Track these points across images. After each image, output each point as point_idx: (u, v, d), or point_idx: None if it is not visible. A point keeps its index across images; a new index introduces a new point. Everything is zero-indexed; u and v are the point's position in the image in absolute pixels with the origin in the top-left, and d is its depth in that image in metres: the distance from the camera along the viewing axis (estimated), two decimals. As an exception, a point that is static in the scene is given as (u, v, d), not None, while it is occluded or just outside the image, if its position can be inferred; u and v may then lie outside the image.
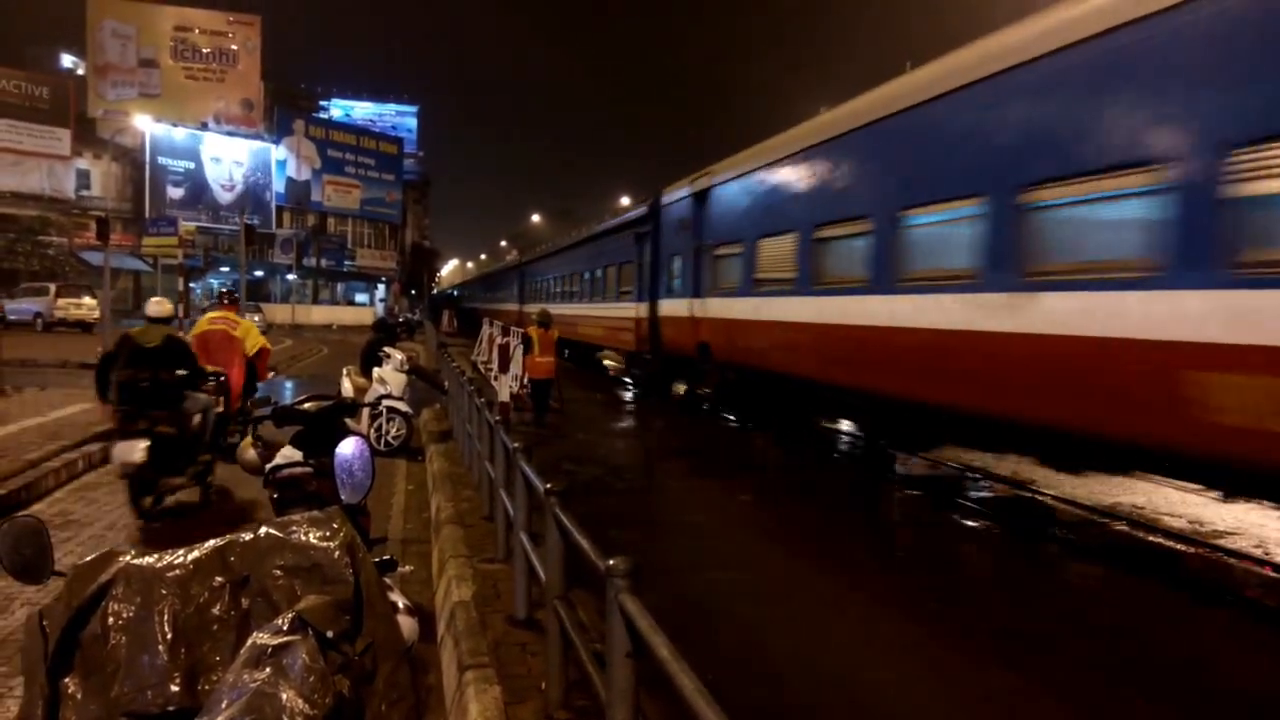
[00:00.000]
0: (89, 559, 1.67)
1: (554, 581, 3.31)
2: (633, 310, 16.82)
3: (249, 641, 1.49)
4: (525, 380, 13.08)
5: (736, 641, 4.53)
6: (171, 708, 1.49)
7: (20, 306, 28.36)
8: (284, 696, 1.38)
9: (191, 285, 38.70)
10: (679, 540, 6.71)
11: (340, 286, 58.74)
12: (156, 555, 1.68)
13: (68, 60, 49.88)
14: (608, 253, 19.89)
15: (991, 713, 3.87)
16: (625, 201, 37.70)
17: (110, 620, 1.55)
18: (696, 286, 13.32)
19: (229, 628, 1.59)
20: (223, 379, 7.58)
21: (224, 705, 1.36)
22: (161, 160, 46.63)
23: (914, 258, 7.82)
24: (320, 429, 3.12)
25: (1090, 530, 7.33)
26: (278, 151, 51.47)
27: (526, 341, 12.57)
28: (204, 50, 49.98)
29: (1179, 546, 6.73)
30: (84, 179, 44.04)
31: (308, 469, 2.88)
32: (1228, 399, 4.85)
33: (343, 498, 2.31)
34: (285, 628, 1.49)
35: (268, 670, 1.41)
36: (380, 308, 53.81)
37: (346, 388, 9.97)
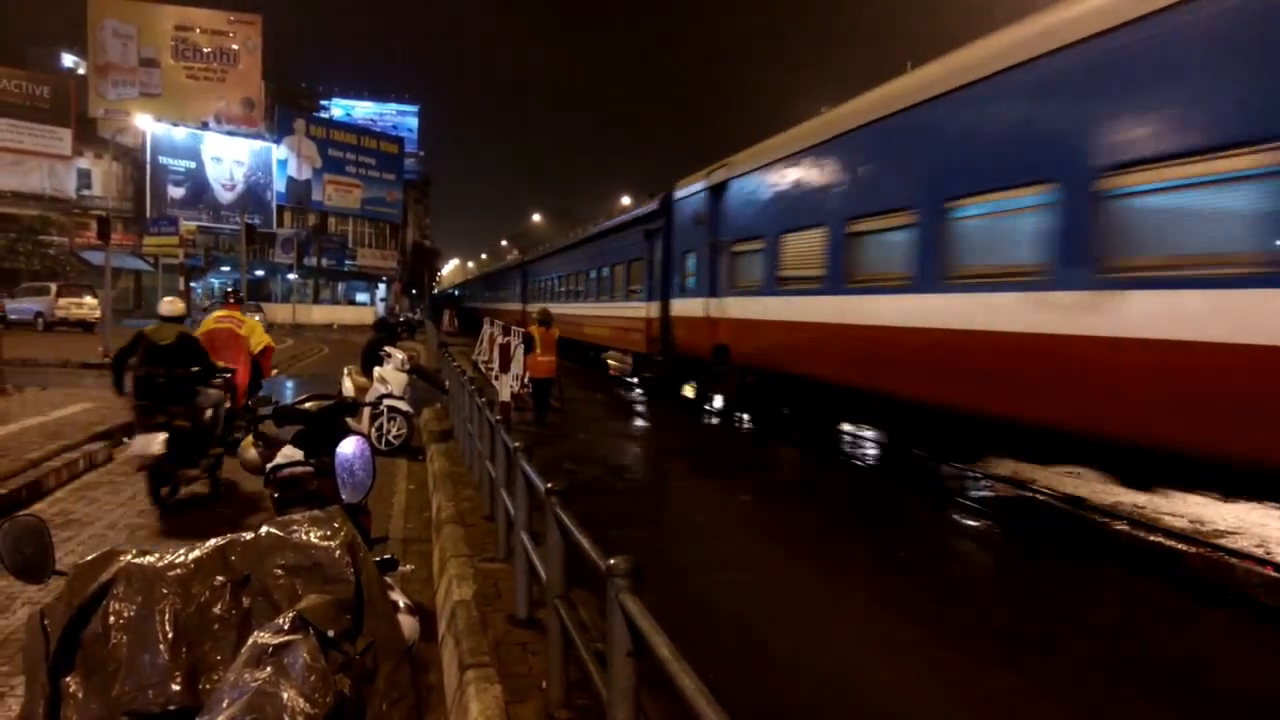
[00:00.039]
0: (90, 558, 1.67)
1: (555, 581, 3.31)
2: (643, 310, 16.24)
3: (250, 641, 1.49)
4: (526, 379, 13.10)
5: (737, 641, 4.54)
6: (172, 707, 1.49)
7: (21, 306, 28.37)
8: (285, 696, 1.38)
9: (192, 285, 38.79)
10: (680, 540, 6.72)
11: (341, 286, 58.76)
12: (157, 554, 1.69)
13: (69, 60, 49.92)
14: (616, 250, 19.15)
15: (991, 713, 3.87)
16: (626, 201, 37.67)
17: (111, 619, 1.55)
18: (713, 285, 12.65)
19: (230, 627, 1.59)
20: (229, 376, 7.76)
21: (225, 704, 1.36)
22: (162, 160, 46.68)
23: (966, 253, 7.07)
24: (321, 428, 3.13)
25: (1090, 530, 7.33)
26: (279, 151, 51.49)
27: (528, 341, 12.54)
28: (205, 50, 50.00)
29: (1179, 546, 6.72)
30: (85, 179, 44.08)
31: (309, 468, 2.88)
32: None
33: (344, 497, 2.31)
34: (286, 627, 1.49)
35: (269, 669, 1.41)
36: (381, 307, 53.85)
37: (347, 387, 9.98)
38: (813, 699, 3.95)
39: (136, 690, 1.49)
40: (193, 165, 47.89)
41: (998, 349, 6.52)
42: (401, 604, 2.27)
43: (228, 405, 7.50)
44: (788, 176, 10.53)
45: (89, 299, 29.07)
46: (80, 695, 1.51)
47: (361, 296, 59.85)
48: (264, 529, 1.75)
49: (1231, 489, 6.05)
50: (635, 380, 19.02)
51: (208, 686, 1.51)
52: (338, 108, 68.82)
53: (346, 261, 56.05)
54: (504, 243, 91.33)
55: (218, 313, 9.26)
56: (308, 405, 3.33)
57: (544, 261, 29.83)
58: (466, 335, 35.11)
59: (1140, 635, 4.86)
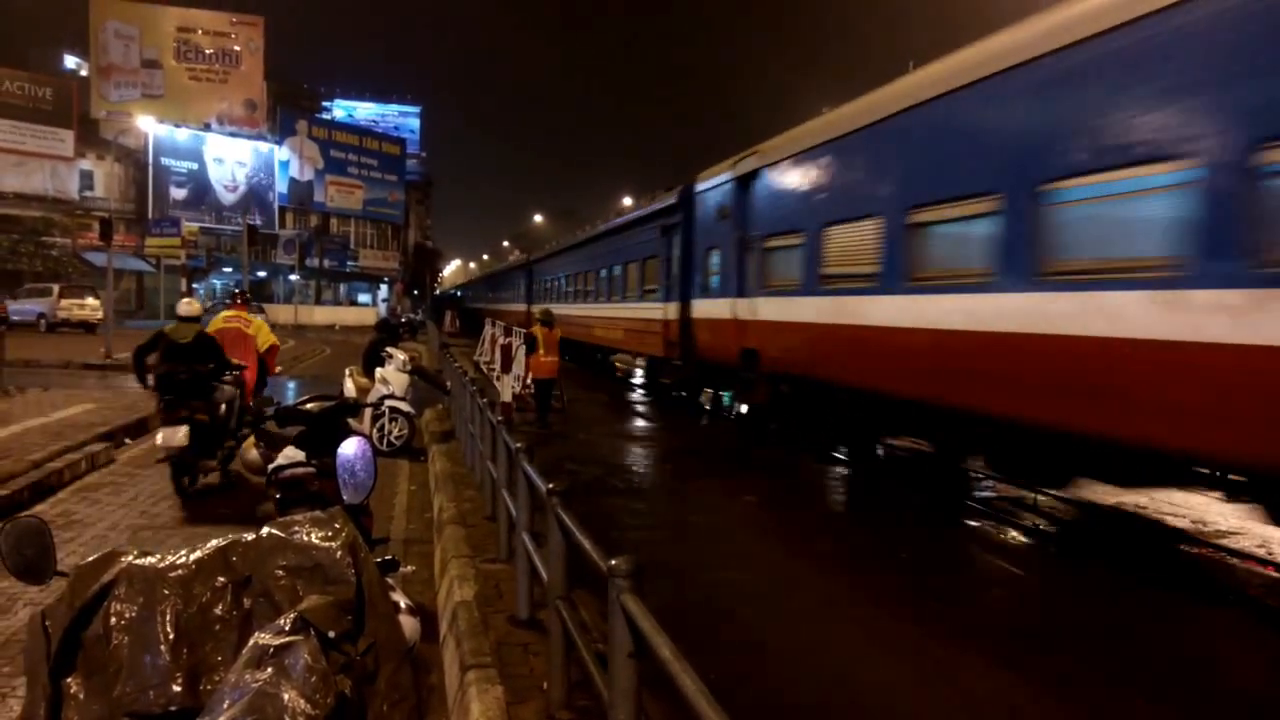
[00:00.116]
0: (91, 559, 1.68)
1: (556, 581, 3.31)
2: (659, 311, 15.21)
3: (251, 641, 1.49)
4: (528, 380, 13.09)
5: (739, 641, 4.53)
6: (174, 708, 1.49)
7: (24, 307, 28.39)
8: (286, 697, 1.38)
9: (194, 286, 38.78)
10: (682, 541, 6.71)
11: (343, 287, 58.77)
12: (159, 555, 1.69)
13: (71, 61, 49.91)
14: (629, 248, 18.06)
15: (992, 713, 3.87)
16: (628, 202, 37.55)
17: (113, 620, 1.56)
18: (740, 284, 11.66)
19: (231, 628, 1.59)
20: (240, 373, 8.11)
21: (226, 705, 1.36)
22: (164, 161, 46.70)
23: (1069, 244, 6.04)
24: (323, 429, 3.13)
25: (1090, 530, 7.32)
26: (280, 152, 51.52)
27: (530, 341, 12.52)
28: (207, 51, 50.04)
29: (1180, 546, 6.71)
30: (87, 180, 44.09)
31: (310, 469, 2.89)
32: None
33: (345, 498, 2.32)
34: (287, 628, 1.49)
35: (270, 670, 1.42)
36: (383, 308, 53.83)
37: (349, 388, 9.99)
38: (813, 699, 3.95)
39: (138, 691, 1.50)
40: (195, 166, 47.93)
41: (1117, 358, 5.46)
42: (403, 605, 2.27)
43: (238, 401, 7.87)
44: (833, 162, 9.50)
45: (91, 300, 29.12)
46: (81, 696, 1.51)
47: (363, 297, 59.87)
48: (265, 530, 1.75)
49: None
50: (638, 380, 18.95)
51: (209, 687, 1.51)
52: (340, 109, 68.82)
53: (348, 262, 56.08)
54: (505, 243, 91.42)
55: (226, 312, 9.66)
56: (309, 406, 3.34)
57: (551, 260, 28.73)
58: (468, 336, 35.11)
59: (1140, 635, 4.86)
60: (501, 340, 15.66)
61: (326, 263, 53.42)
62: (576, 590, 3.44)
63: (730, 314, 11.93)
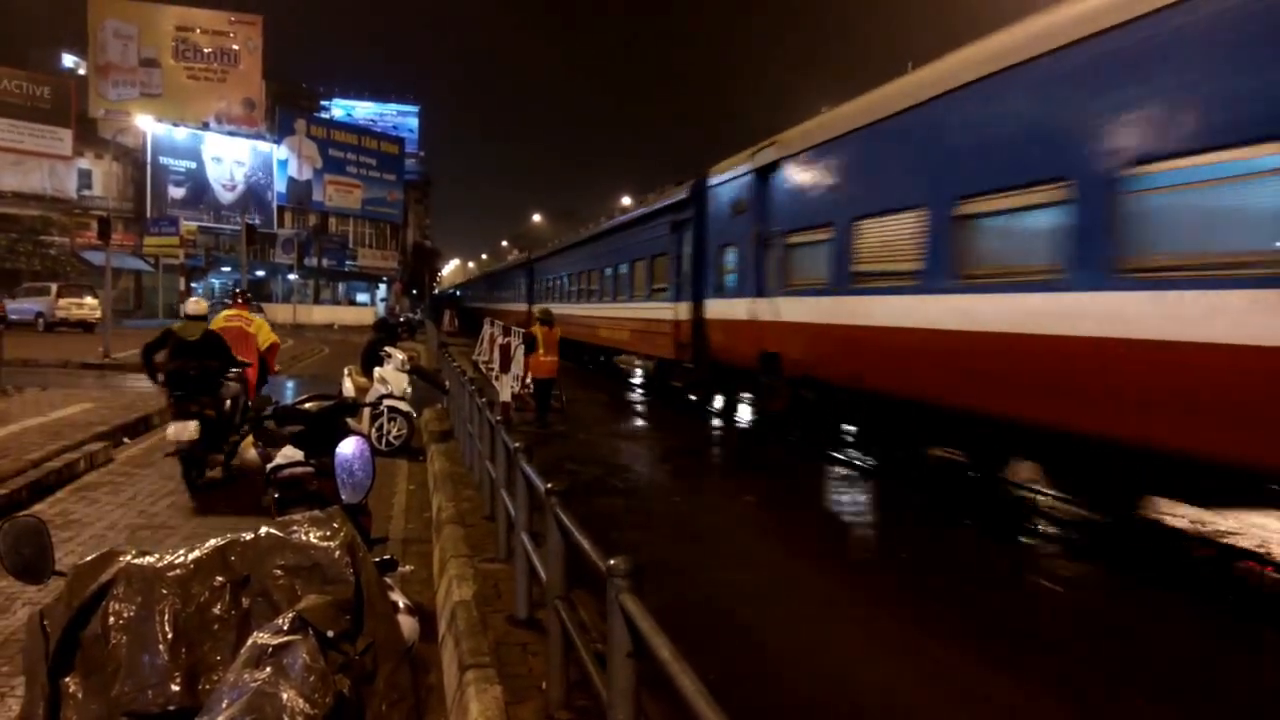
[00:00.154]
0: (90, 559, 1.67)
1: (555, 581, 3.31)
2: (669, 311, 14.55)
3: (249, 641, 1.49)
4: (528, 379, 13.08)
5: (738, 641, 4.53)
6: (172, 707, 1.49)
7: (22, 306, 28.34)
8: (284, 696, 1.38)
9: (193, 285, 38.76)
10: (681, 541, 6.71)
11: (342, 286, 58.76)
12: (157, 555, 1.69)
13: (69, 60, 49.89)
14: (636, 245, 17.36)
15: (991, 713, 3.87)
16: (627, 201, 37.52)
17: (111, 620, 1.55)
18: (759, 283, 11.03)
19: (229, 627, 1.59)
20: (243, 370, 8.29)
21: (224, 705, 1.36)
22: (163, 160, 46.66)
23: (1156, 237, 5.46)
24: (321, 429, 3.12)
25: (1090, 530, 7.32)
26: (279, 151, 51.49)
27: (530, 340, 12.49)
28: (205, 50, 50.00)
29: (1180, 546, 6.72)
30: (85, 179, 44.07)
31: (309, 469, 2.87)
32: None
33: (343, 497, 2.31)
34: (286, 627, 1.49)
35: (268, 670, 1.42)
36: (381, 307, 53.84)
37: (348, 387, 9.99)
38: (813, 700, 3.95)
39: (136, 691, 1.49)
40: (193, 165, 47.89)
41: (1217, 367, 4.90)
42: (401, 604, 2.27)
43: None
44: (866, 150, 8.82)
45: (89, 299, 29.10)
46: (80, 696, 1.51)
47: (362, 297, 59.86)
48: (264, 529, 1.75)
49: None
50: (637, 380, 18.90)
51: (207, 687, 1.51)
52: (338, 108, 68.81)
53: (347, 262, 56.06)
54: (504, 243, 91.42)
55: (227, 311, 9.90)
56: (308, 405, 3.33)
57: (553, 259, 27.93)
58: (467, 336, 35.11)
59: (1140, 635, 4.86)
60: (500, 340, 15.65)
61: (325, 262, 53.40)
62: (575, 590, 3.44)
63: (748, 315, 11.35)
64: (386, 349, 10.35)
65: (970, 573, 6.12)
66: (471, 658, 3.81)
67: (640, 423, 13.78)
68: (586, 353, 22.50)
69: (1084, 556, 6.54)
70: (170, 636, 1.55)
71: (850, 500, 8.41)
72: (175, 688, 1.50)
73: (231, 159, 49.63)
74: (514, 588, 4.44)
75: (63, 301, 28.62)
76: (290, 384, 15.96)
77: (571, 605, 3.24)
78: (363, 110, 71.02)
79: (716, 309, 12.74)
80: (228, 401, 7.66)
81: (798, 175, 10.36)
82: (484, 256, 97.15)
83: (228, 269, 46.70)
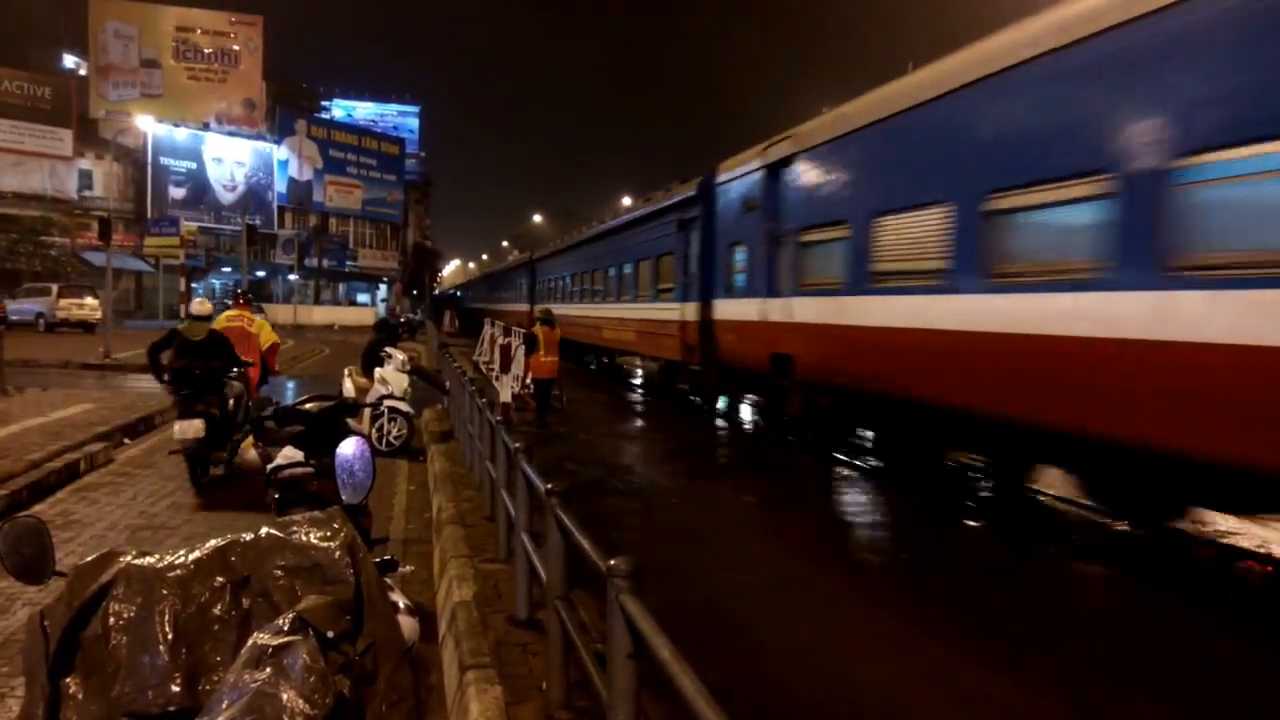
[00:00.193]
0: (90, 559, 1.67)
1: (555, 582, 3.31)
2: (676, 312, 14.27)
3: (250, 642, 1.49)
4: (528, 380, 13.08)
5: (738, 642, 4.54)
6: (172, 708, 1.49)
7: (22, 307, 28.37)
8: (284, 697, 1.38)
9: (193, 285, 38.77)
10: (681, 542, 6.71)
11: (342, 287, 58.77)
12: (157, 556, 1.69)
13: (70, 61, 49.88)
14: (642, 244, 17.00)
15: (991, 713, 3.87)
16: (627, 202, 37.51)
17: (111, 620, 1.55)
18: (771, 283, 10.69)
19: (230, 628, 1.59)
20: (244, 370, 8.41)
21: (224, 705, 1.36)
22: (163, 160, 46.68)
23: (1220, 231, 5.07)
24: (322, 429, 3.13)
25: (1090, 530, 7.32)
26: (279, 152, 51.50)
27: (531, 341, 12.48)
28: (206, 50, 50.01)
29: (1180, 547, 6.71)
30: (86, 179, 44.09)
31: (309, 469, 2.88)
32: None
33: (344, 498, 2.32)
34: (286, 628, 1.49)
35: (268, 670, 1.42)
36: (382, 308, 53.85)
37: (348, 388, 10.00)
38: (813, 700, 3.95)
39: (136, 691, 1.49)
40: (194, 166, 47.90)
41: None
42: (401, 605, 2.28)
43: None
44: (887, 143, 8.43)
45: (90, 300, 29.12)
46: (80, 696, 1.51)
47: (362, 297, 59.87)
48: (264, 530, 1.75)
49: None
50: (637, 381, 18.88)
51: (207, 687, 1.51)
52: (339, 108, 68.86)
53: (347, 262, 56.07)
54: (505, 243, 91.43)
55: (229, 312, 10.16)
56: (308, 406, 3.33)
57: (556, 259, 27.42)
58: (467, 336, 35.11)
59: (1140, 635, 4.86)
60: (501, 340, 15.66)
61: (325, 262, 53.41)
62: (576, 590, 3.44)
63: (759, 315, 10.98)
64: (387, 349, 10.36)
65: (970, 573, 6.12)
66: (472, 658, 3.82)
67: (640, 423, 13.78)
68: (589, 354, 22.40)
69: (1084, 557, 6.54)
70: (170, 637, 1.55)
71: (850, 500, 8.40)
72: (175, 688, 1.50)
73: (232, 159, 49.65)
74: (514, 588, 4.44)
75: (63, 302, 28.65)
76: (291, 384, 15.96)
77: (572, 605, 3.24)
78: (363, 111, 71.08)
79: (725, 310, 12.43)
80: (231, 400, 7.79)
81: (813, 170, 9.96)
82: (484, 257, 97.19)
83: (228, 269, 46.71)
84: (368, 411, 9.60)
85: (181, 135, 47.64)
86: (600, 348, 20.65)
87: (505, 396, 12.77)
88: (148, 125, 44.52)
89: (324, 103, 67.29)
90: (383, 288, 59.39)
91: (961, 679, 4.19)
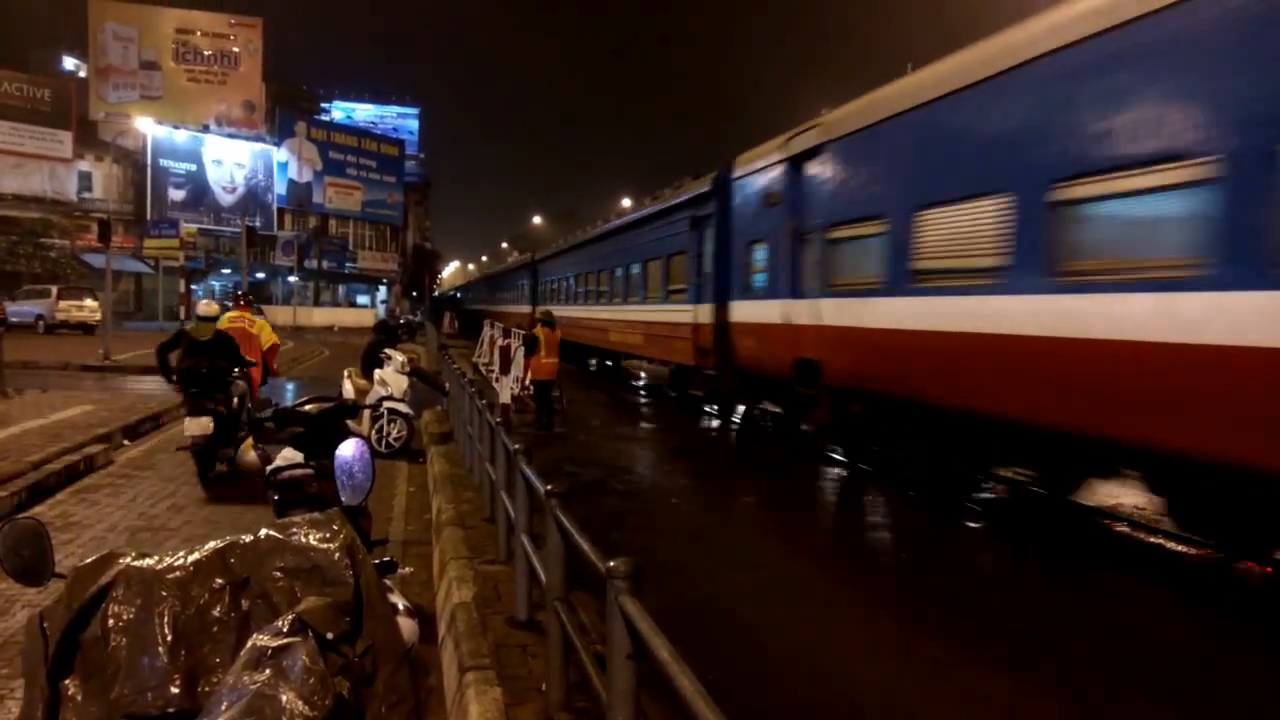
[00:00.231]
0: (89, 561, 1.67)
1: (555, 583, 3.31)
2: (688, 314, 13.56)
3: (249, 643, 1.49)
4: (528, 381, 13.08)
5: (738, 642, 4.53)
6: (172, 709, 1.49)
7: (22, 309, 28.36)
8: (284, 698, 1.38)
9: (193, 287, 38.77)
10: (681, 542, 6.71)
11: (342, 288, 58.77)
12: (157, 557, 1.69)
13: (69, 63, 49.86)
14: (651, 244, 16.28)
15: (991, 713, 3.87)
16: (627, 203, 37.50)
17: (110, 622, 1.55)
18: (794, 283, 10.04)
19: (229, 629, 1.59)
20: (248, 369, 8.65)
21: (224, 707, 1.36)
22: (163, 162, 46.68)
23: None
24: (321, 431, 3.12)
25: (1090, 530, 7.32)
26: (279, 153, 51.51)
27: (532, 342, 12.47)
28: (206, 52, 50.03)
29: (1179, 546, 6.71)
30: (85, 181, 44.09)
31: (308, 471, 2.88)
32: None
33: (343, 499, 2.31)
34: (285, 629, 1.49)
35: (268, 672, 1.42)
36: (381, 309, 53.86)
37: (348, 389, 10.00)
38: (813, 700, 3.95)
39: (136, 693, 1.49)
40: (193, 168, 47.90)
41: None
42: (401, 606, 2.28)
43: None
44: (931, 130, 7.65)
45: (89, 301, 29.12)
46: (79, 698, 1.51)
47: (362, 299, 59.87)
48: (263, 531, 1.75)
49: None
50: (640, 383, 18.85)
51: (207, 689, 1.51)
52: (338, 110, 68.80)
53: (347, 264, 56.07)
54: (504, 245, 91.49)
55: (231, 313, 10.31)
56: (308, 407, 3.33)
57: (559, 259, 26.64)
58: (467, 338, 35.11)
59: (1140, 635, 4.86)
60: (500, 342, 15.66)
61: (325, 264, 53.41)
62: (575, 592, 3.44)
63: (781, 318, 10.30)
64: (386, 351, 10.36)
65: (970, 573, 6.12)
66: (471, 659, 3.81)
67: (640, 424, 13.77)
68: (593, 357, 22.12)
69: (1085, 557, 6.54)
70: (170, 638, 1.55)
71: (850, 500, 8.41)
72: (175, 690, 1.50)
73: (232, 161, 49.66)
74: (514, 589, 4.44)
75: (63, 304, 28.64)
76: (290, 386, 15.96)
77: (571, 607, 3.24)
78: (363, 112, 71.02)
79: (743, 311, 11.71)
80: (235, 399, 8.00)
81: (843, 162, 9.15)
82: (484, 259, 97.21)
83: (228, 271, 46.71)
84: (367, 413, 9.60)
85: (181, 137, 47.65)
86: (606, 351, 20.13)
87: (505, 398, 12.77)
88: (147, 127, 44.56)
89: (324, 104, 67.25)
90: (382, 289, 59.40)
91: (962, 679, 4.19)
